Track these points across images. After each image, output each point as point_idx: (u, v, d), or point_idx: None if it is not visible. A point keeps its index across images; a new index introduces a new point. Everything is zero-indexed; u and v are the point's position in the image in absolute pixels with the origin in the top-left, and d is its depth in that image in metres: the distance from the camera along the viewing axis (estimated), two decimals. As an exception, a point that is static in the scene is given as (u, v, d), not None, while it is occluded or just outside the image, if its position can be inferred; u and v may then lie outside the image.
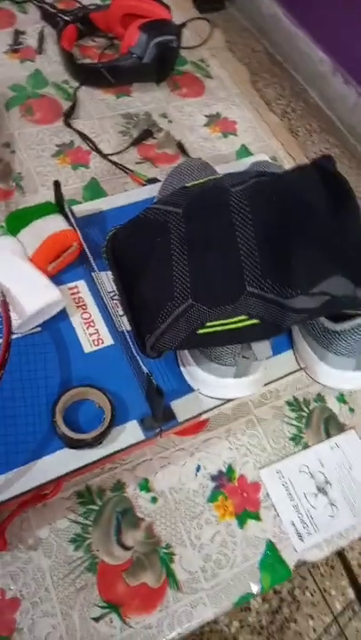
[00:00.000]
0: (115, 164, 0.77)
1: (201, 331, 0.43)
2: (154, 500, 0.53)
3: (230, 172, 0.68)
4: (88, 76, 0.86)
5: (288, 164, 0.81)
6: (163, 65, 0.86)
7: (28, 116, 0.81)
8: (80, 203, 0.70)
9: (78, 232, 0.55)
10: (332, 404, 0.61)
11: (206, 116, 0.86)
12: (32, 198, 0.72)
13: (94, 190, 0.74)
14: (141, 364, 0.46)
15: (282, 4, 1.04)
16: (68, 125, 0.80)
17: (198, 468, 0.55)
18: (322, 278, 0.41)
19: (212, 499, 0.54)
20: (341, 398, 0.62)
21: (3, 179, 0.74)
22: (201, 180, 0.49)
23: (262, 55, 0.99)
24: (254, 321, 0.42)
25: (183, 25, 0.86)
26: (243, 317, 0.42)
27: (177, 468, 0.55)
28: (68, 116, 0.81)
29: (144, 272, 0.46)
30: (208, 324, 0.42)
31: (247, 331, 0.42)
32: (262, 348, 0.45)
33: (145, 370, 0.46)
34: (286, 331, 0.52)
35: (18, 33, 0.92)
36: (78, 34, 0.91)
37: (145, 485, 0.53)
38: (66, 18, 0.89)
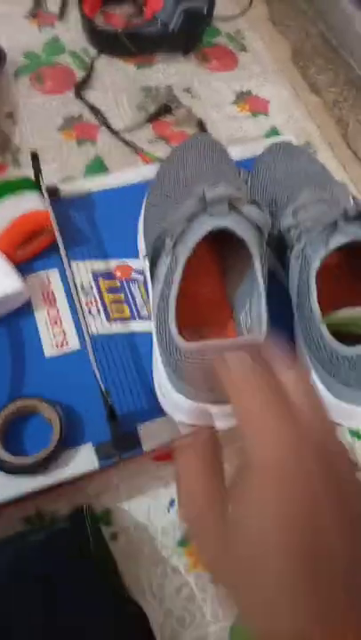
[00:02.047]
0: (124, 141, 0.68)
1: None
2: (113, 536, 0.44)
3: (244, 156, 0.58)
4: (107, 43, 0.77)
5: (323, 151, 0.70)
6: (191, 34, 0.77)
7: (37, 84, 0.73)
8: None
9: (51, 213, 0.47)
10: (344, 439, 0.51)
11: (236, 92, 0.76)
12: (27, 174, 0.64)
13: (98, 169, 0.66)
14: (98, 377, 0.38)
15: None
16: (79, 96, 0.72)
17: (172, 503, 0.46)
18: None
19: (184, 542, 0.45)
20: (356, 433, 0.51)
21: (-1, 151, 0.67)
22: None
23: (318, 40, 0.88)
24: None
25: (219, -10, 0.76)
26: None
27: (147, 499, 0.46)
28: (81, 86, 0.73)
29: None
30: None
31: None
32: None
33: (102, 386, 0.37)
34: None
35: (40, -4, 0.84)
36: (103, -1, 0.82)
37: (105, 517, 0.45)
38: (91, -20, 0.81)
